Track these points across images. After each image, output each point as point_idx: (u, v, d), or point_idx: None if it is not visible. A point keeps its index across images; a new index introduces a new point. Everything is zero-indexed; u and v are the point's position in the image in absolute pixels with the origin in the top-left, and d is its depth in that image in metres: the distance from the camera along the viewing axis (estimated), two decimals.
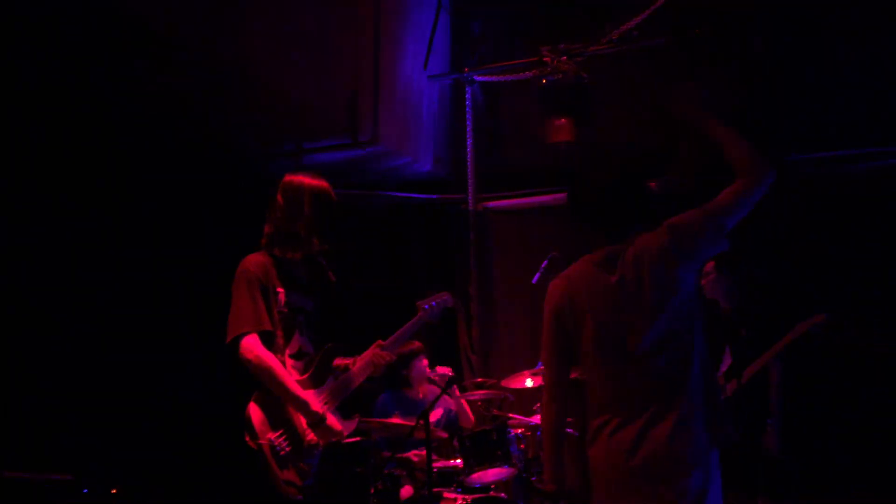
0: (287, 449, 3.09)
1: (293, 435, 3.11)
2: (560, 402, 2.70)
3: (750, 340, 4.80)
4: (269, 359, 3.07)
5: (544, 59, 5.79)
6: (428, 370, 5.48)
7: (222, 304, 3.19)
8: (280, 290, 3.22)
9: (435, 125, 6.59)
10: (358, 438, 5.05)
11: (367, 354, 3.42)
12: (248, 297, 3.08)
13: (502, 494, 4.74)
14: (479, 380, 5.51)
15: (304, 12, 5.02)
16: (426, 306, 3.60)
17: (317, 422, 3.13)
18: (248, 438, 3.04)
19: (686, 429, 2.48)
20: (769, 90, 5.58)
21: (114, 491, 4.17)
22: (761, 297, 5.05)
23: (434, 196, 6.68)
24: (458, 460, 4.73)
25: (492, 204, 6.59)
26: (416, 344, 5.55)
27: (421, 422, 4.23)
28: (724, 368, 4.89)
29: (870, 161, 5.53)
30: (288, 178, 3.33)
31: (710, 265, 4.88)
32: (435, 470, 4.59)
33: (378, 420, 4.97)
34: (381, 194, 6.51)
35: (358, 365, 3.40)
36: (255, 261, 3.20)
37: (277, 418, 3.10)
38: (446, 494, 4.59)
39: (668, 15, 5.57)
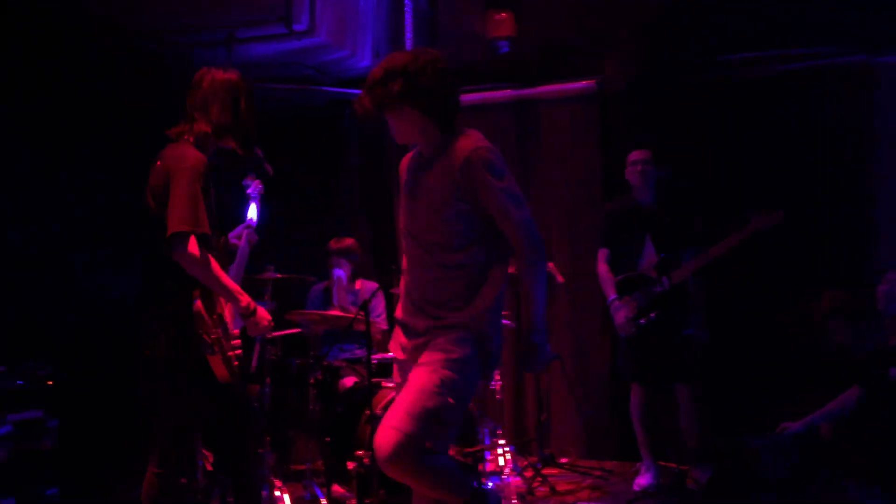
0: (225, 344, 3.11)
1: (225, 331, 3.14)
2: None
3: (673, 230, 4.90)
4: (206, 256, 3.06)
5: None
6: (343, 279, 5.44)
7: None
8: (212, 190, 3.19)
9: (374, 19, 6.38)
10: (297, 330, 5.10)
11: (243, 233, 3.63)
12: (191, 196, 3.02)
13: None
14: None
15: None
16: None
17: (248, 315, 3.14)
18: (200, 332, 3.02)
19: None
20: None
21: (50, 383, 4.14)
22: (682, 195, 5.08)
23: None
24: None
25: None
26: (349, 241, 5.56)
27: (361, 314, 4.27)
28: (645, 261, 4.97)
29: (793, 62, 5.59)
30: (215, 72, 3.28)
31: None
32: (375, 361, 4.66)
33: (317, 312, 5.00)
34: (317, 89, 6.34)
35: (241, 245, 3.57)
36: (197, 157, 3.12)
37: (215, 315, 3.12)
38: (385, 384, 4.67)
39: None
